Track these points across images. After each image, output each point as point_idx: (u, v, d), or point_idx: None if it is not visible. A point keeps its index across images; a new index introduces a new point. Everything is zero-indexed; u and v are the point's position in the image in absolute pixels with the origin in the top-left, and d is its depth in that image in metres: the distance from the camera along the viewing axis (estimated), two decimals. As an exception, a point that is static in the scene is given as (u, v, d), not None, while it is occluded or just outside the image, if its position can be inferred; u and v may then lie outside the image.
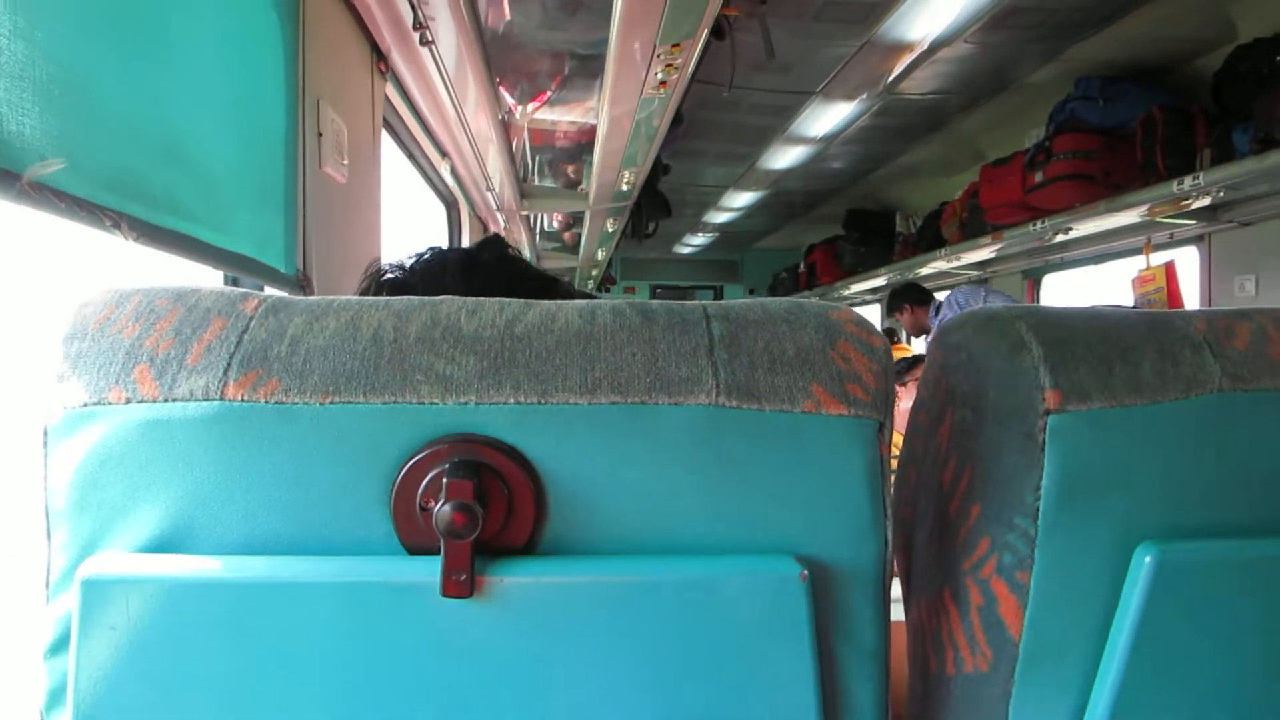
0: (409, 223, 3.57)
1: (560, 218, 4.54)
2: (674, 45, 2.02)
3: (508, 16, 2.08)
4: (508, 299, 0.59)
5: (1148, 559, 0.59)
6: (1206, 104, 3.45)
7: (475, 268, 0.87)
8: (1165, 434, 0.60)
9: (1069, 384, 0.59)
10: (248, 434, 0.53)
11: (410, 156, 2.78)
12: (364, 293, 0.87)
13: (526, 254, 5.32)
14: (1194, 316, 0.64)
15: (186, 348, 0.54)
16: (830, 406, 0.55)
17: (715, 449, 0.54)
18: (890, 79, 3.68)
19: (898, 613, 0.69)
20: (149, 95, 0.92)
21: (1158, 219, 3.64)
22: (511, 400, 0.53)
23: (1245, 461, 0.61)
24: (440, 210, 3.71)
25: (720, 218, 7.43)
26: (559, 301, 0.59)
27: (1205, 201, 3.36)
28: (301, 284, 1.39)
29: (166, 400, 0.53)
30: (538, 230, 5.35)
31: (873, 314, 8.57)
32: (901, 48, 3.33)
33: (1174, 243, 4.12)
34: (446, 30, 1.91)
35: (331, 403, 0.52)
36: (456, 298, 0.58)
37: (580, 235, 5.11)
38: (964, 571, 0.65)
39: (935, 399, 0.69)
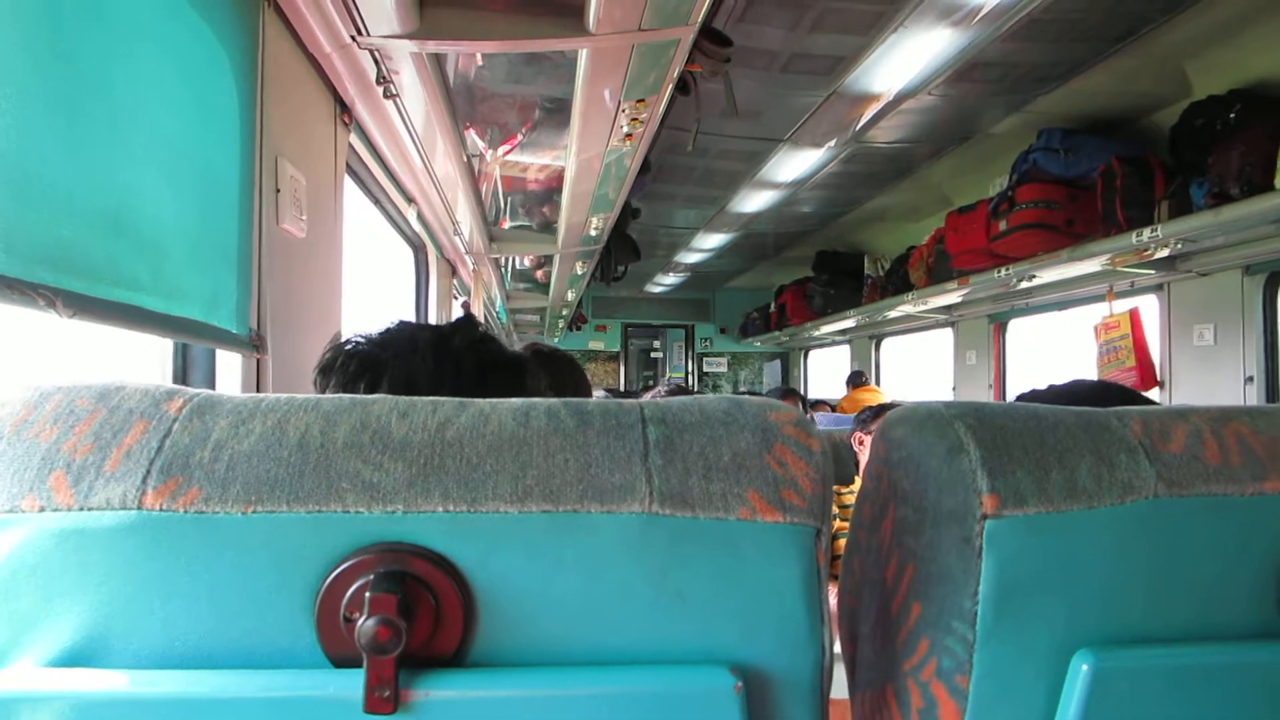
0: (374, 268, 3.55)
1: (531, 257, 4.54)
2: (639, 100, 2.03)
3: (472, 71, 2.08)
4: (441, 399, 0.57)
5: (1085, 666, 0.58)
6: (1164, 156, 3.53)
7: (447, 351, 0.85)
8: (1101, 540, 0.59)
9: (1006, 488, 0.59)
10: (166, 544, 0.51)
11: (376, 203, 2.76)
12: (328, 363, 0.85)
13: (496, 297, 5.30)
14: (1130, 417, 0.64)
15: (105, 453, 0.52)
16: (766, 514, 0.54)
17: (649, 557, 0.53)
18: (857, 127, 3.73)
19: (841, 690, 0.68)
20: (91, 162, 0.91)
21: (1119, 268, 3.70)
22: (440, 509, 0.52)
23: (1181, 567, 0.61)
24: (407, 254, 3.70)
25: (691, 258, 7.47)
26: (496, 401, 0.58)
27: (1164, 252, 3.42)
28: (254, 344, 1.37)
29: (82, 509, 0.51)
30: (508, 270, 5.34)
31: (842, 354, 8.63)
32: (868, 98, 3.38)
33: (1135, 290, 4.19)
34: (411, 83, 1.91)
35: (254, 512, 0.51)
36: (389, 398, 0.57)
37: (551, 273, 5.11)
38: (905, 672, 0.64)
39: (878, 493, 0.69)
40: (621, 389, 10.02)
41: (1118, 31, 2.99)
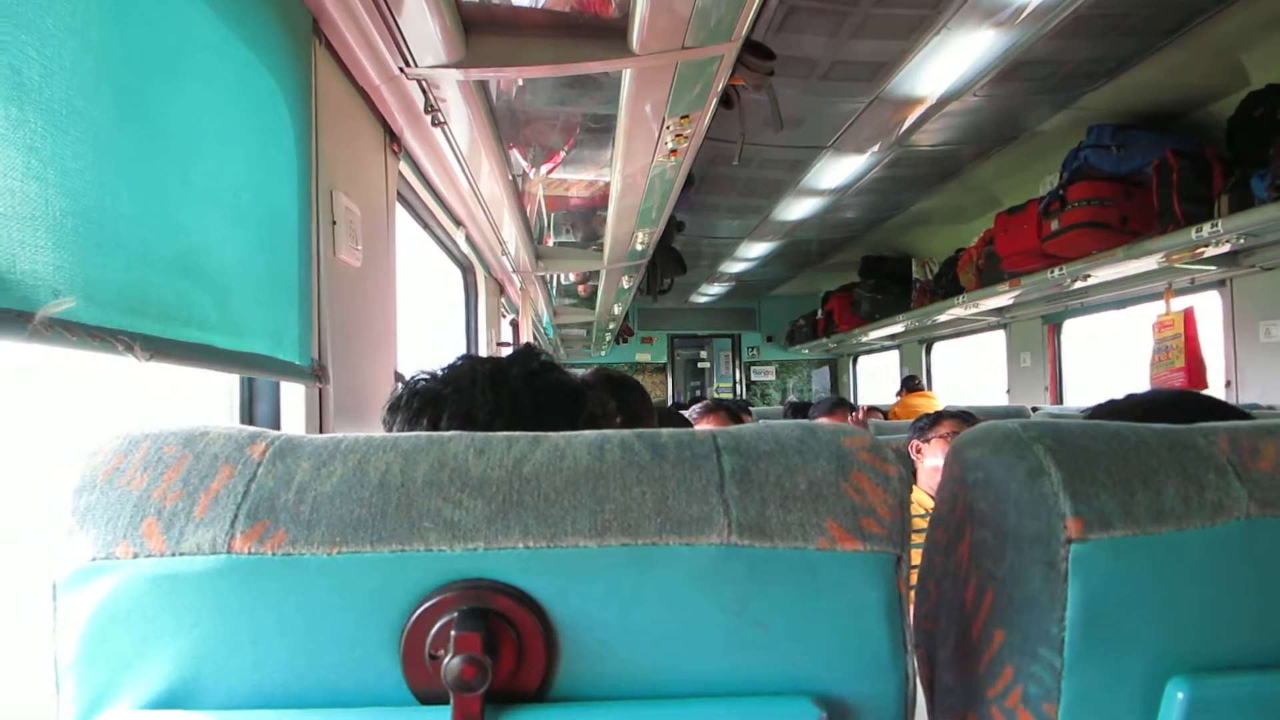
0: (425, 290, 3.59)
1: (576, 272, 4.58)
2: (683, 117, 2.04)
3: (514, 92, 2.11)
4: (516, 435, 0.58)
5: (1180, 694, 0.57)
6: (1222, 149, 3.44)
7: (504, 383, 0.86)
8: (1192, 563, 0.58)
9: (1090, 511, 0.58)
10: (255, 587, 0.52)
11: (425, 227, 2.80)
12: (394, 402, 0.87)
13: (543, 313, 5.33)
14: (1217, 434, 0.63)
15: (194, 499, 0.54)
16: (845, 542, 0.54)
17: (728, 588, 0.53)
18: (901, 132, 3.70)
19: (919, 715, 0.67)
20: (162, 209, 0.93)
21: (1177, 265, 3.61)
22: (520, 545, 0.52)
23: (1278, 590, 0.59)
24: (455, 274, 3.74)
25: (735, 268, 7.45)
26: (569, 435, 0.58)
27: (1225, 248, 3.33)
28: (316, 374, 1.40)
29: (174, 554, 0.52)
30: (553, 286, 5.38)
31: (891, 360, 8.54)
32: (911, 102, 3.35)
33: (1195, 287, 4.09)
34: (458, 109, 1.94)
35: (339, 553, 0.52)
36: (465, 434, 0.58)
37: (596, 288, 5.13)
38: (989, 699, 0.63)
39: (953, 515, 0.68)
40: (669, 401, 10.02)
41: (1168, 24, 2.93)
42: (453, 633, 0.50)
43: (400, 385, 0.87)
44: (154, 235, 0.91)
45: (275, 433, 0.59)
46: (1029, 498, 0.60)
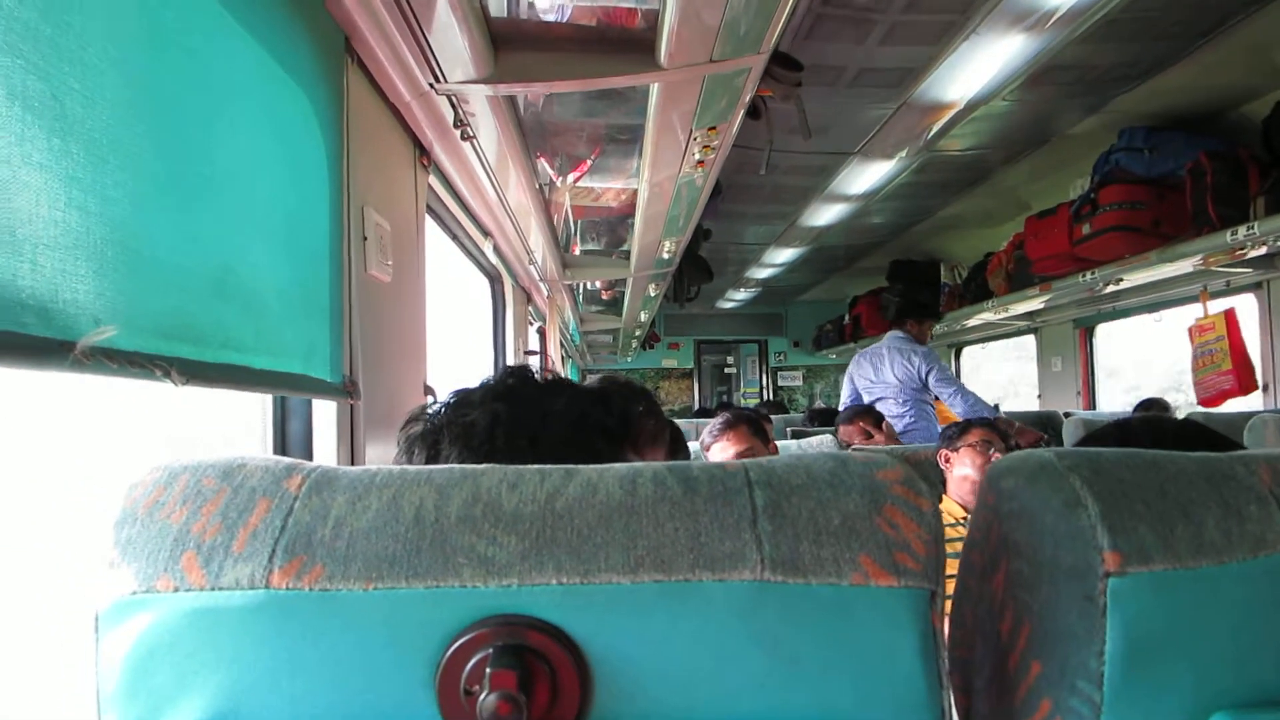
0: (454, 300, 3.61)
1: (603, 280, 4.59)
2: (710, 128, 2.04)
3: (542, 103, 2.12)
4: (549, 468, 0.58)
5: None
6: (1257, 150, 3.39)
7: (502, 394, 0.87)
8: (1235, 597, 0.57)
9: (1129, 544, 0.57)
10: (293, 621, 0.53)
11: (454, 238, 2.82)
12: (435, 416, 0.86)
13: (569, 321, 5.34)
14: (1257, 463, 0.61)
15: (233, 533, 0.54)
16: (879, 578, 0.53)
17: (762, 624, 0.53)
18: (929, 137, 3.67)
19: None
20: (199, 233, 0.95)
21: (1212, 268, 3.56)
22: (554, 581, 0.53)
23: None
24: (482, 283, 3.76)
25: (762, 273, 7.43)
26: (601, 469, 0.58)
27: (1262, 250, 3.28)
28: (348, 390, 1.41)
29: (213, 589, 0.53)
30: (579, 293, 5.39)
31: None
32: (939, 108, 3.32)
33: (1230, 290, 4.03)
34: (486, 122, 1.95)
35: (375, 588, 0.52)
36: (498, 468, 0.58)
37: (622, 294, 5.14)
38: None
39: (988, 543, 0.67)
40: (696, 406, 10.00)
41: (1201, 26, 2.89)
42: (488, 670, 0.51)
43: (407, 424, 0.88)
44: (191, 259, 0.92)
45: (311, 464, 0.59)
46: (1065, 530, 0.59)
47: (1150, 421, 1.04)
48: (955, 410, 4.29)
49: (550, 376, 0.93)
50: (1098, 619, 0.57)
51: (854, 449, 3.12)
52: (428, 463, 0.82)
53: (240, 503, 0.56)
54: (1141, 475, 0.60)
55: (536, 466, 0.59)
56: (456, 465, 0.59)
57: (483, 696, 0.50)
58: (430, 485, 0.56)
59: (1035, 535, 0.61)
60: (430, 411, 0.87)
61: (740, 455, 2.57)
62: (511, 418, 0.84)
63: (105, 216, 0.75)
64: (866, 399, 4.66)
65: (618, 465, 0.59)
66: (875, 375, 4.64)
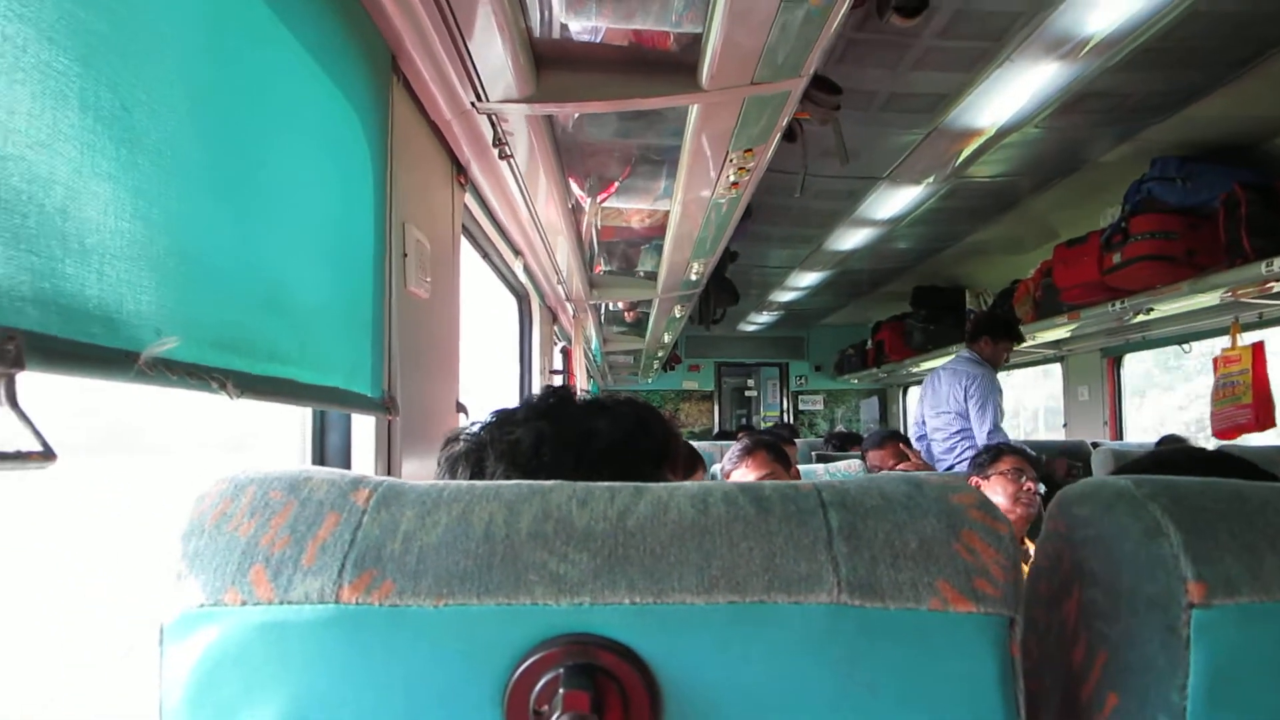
0: (483, 318, 3.63)
1: (625, 300, 4.59)
2: (746, 151, 2.04)
3: (579, 125, 2.13)
4: (618, 485, 0.58)
5: None
6: (1294, 181, 3.36)
7: (544, 412, 0.87)
8: None
9: (1214, 575, 0.55)
10: (362, 637, 0.52)
11: (485, 257, 2.83)
12: (477, 435, 0.87)
13: (593, 339, 5.35)
14: None
15: (301, 546, 0.54)
16: (958, 604, 0.52)
17: (838, 649, 0.52)
18: (958, 163, 3.66)
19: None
20: (254, 246, 0.95)
21: (1245, 299, 3.52)
22: (626, 600, 0.52)
23: None
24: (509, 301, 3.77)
25: (785, 296, 7.42)
26: (671, 487, 0.58)
27: (1296, 282, 3.24)
28: (386, 405, 1.41)
29: (282, 603, 0.53)
30: (603, 314, 5.40)
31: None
32: (969, 134, 3.32)
33: (1263, 323, 3.98)
34: (523, 143, 1.96)
35: (445, 605, 0.52)
36: (567, 484, 0.58)
37: (645, 315, 5.14)
38: None
39: (1058, 571, 0.66)
40: (716, 429, 9.97)
41: (1238, 56, 2.87)
42: (560, 690, 0.50)
43: (448, 443, 0.88)
44: (245, 272, 0.92)
45: (376, 478, 0.59)
46: (1145, 558, 0.57)
47: (1196, 454, 1.01)
48: (977, 439, 4.12)
49: (587, 396, 0.94)
50: (1181, 651, 0.55)
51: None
52: (471, 480, 0.82)
53: (309, 516, 0.55)
54: (1225, 505, 0.59)
55: (605, 484, 0.58)
56: (525, 482, 0.59)
57: (554, 717, 0.49)
58: (500, 501, 0.56)
59: (1113, 563, 0.60)
60: (472, 430, 0.88)
61: (761, 480, 2.54)
62: (557, 436, 0.84)
63: (168, 228, 0.76)
64: (927, 426, 4.47)
65: (687, 484, 0.58)
66: (933, 399, 4.44)
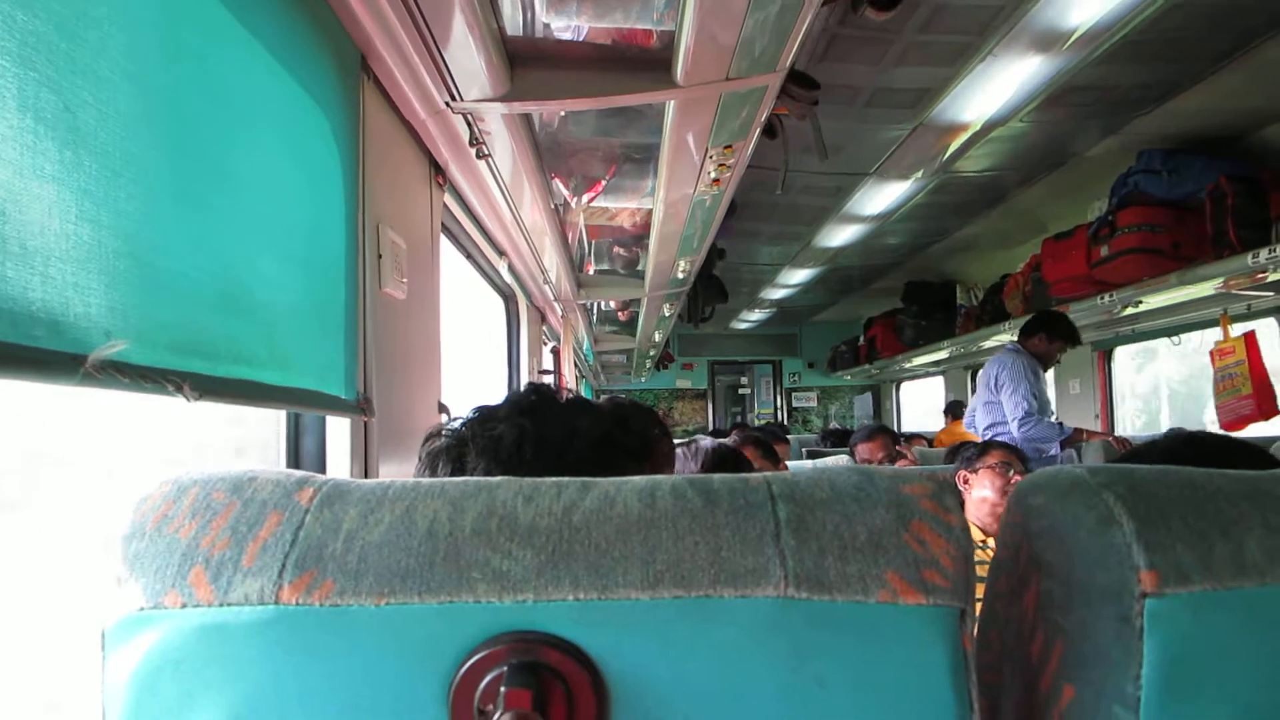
0: (467, 318, 3.61)
1: (616, 299, 4.59)
2: (726, 147, 2.03)
3: (557, 123, 2.12)
4: (566, 480, 0.57)
5: None
6: (1278, 173, 3.36)
7: (528, 409, 0.86)
8: (1277, 619, 0.55)
9: (1166, 564, 0.55)
10: (303, 637, 0.51)
11: (468, 257, 2.82)
12: (458, 431, 0.86)
13: (583, 340, 5.34)
14: None
15: (242, 547, 0.53)
16: (907, 595, 0.52)
17: (785, 642, 0.51)
18: (945, 158, 3.66)
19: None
20: (214, 247, 0.94)
21: (1233, 291, 3.53)
22: (570, 597, 0.51)
23: None
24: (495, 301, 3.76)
25: (776, 294, 7.42)
26: (619, 481, 0.57)
27: (1283, 273, 3.25)
28: (361, 407, 1.40)
29: (222, 604, 0.52)
30: (594, 314, 5.39)
31: (935, 385, 8.43)
32: (955, 129, 3.32)
33: (1251, 314, 3.99)
34: (502, 142, 1.95)
35: (387, 604, 0.51)
36: (514, 480, 0.57)
37: (637, 314, 5.14)
38: None
39: (1016, 564, 0.65)
40: (710, 427, 9.97)
41: (1221, 48, 2.88)
42: (502, 688, 0.49)
43: (428, 439, 0.88)
44: (205, 273, 0.91)
45: (323, 477, 0.58)
46: (1099, 548, 0.57)
47: (1194, 438, 1.01)
48: (1012, 433, 4.03)
49: (570, 395, 0.93)
50: (1134, 641, 0.55)
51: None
52: (452, 476, 0.82)
53: (250, 516, 0.54)
54: (1178, 492, 0.58)
55: (554, 479, 0.57)
56: (473, 478, 0.58)
57: (496, 716, 0.49)
58: (444, 498, 0.55)
59: (1067, 554, 0.59)
60: (453, 426, 0.87)
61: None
62: (539, 433, 0.84)
63: (117, 229, 0.75)
64: (977, 418, 4.40)
65: (636, 478, 0.57)
66: (979, 391, 4.37)
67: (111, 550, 0.55)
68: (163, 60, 0.86)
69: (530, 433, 0.83)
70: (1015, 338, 4.43)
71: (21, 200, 0.64)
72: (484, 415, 0.87)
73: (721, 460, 1.87)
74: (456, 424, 0.87)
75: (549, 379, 4.54)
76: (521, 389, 0.92)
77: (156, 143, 0.83)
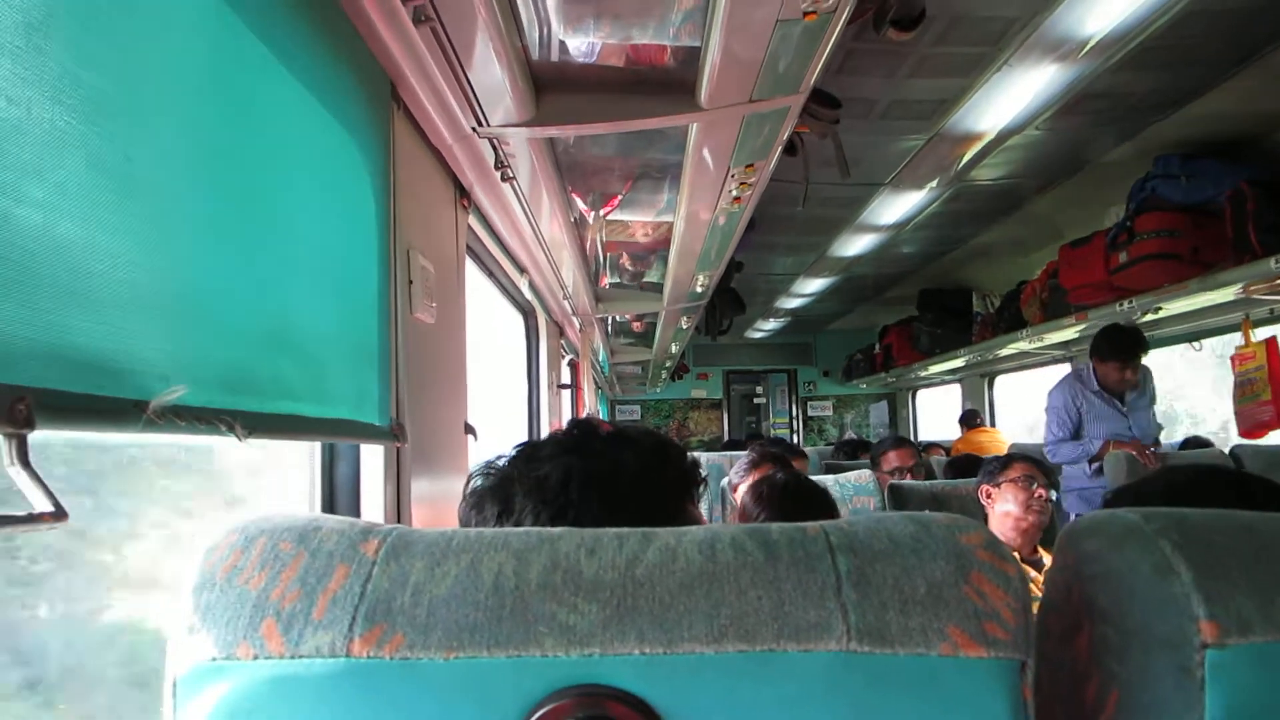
0: (488, 334, 3.63)
1: (632, 312, 4.60)
2: (747, 166, 2.04)
3: (580, 144, 2.13)
4: (625, 531, 0.58)
5: None
6: (1301, 176, 3.34)
7: (572, 448, 0.87)
8: None
9: (1226, 614, 0.55)
10: (373, 690, 0.52)
11: (490, 276, 2.84)
12: (503, 470, 0.87)
13: (599, 350, 5.35)
14: None
15: (312, 599, 0.54)
16: (969, 649, 0.52)
17: (848, 696, 0.52)
18: (960, 167, 3.66)
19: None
20: (258, 285, 0.96)
21: (1254, 296, 3.50)
22: (636, 650, 0.52)
23: None
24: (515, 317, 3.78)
25: (791, 303, 7.42)
26: (679, 532, 0.58)
27: (1307, 277, 3.22)
28: (394, 433, 1.41)
29: (293, 657, 0.53)
30: (610, 326, 5.40)
31: (952, 393, 8.40)
32: (970, 138, 3.32)
33: (1275, 318, 3.96)
34: (525, 165, 1.97)
35: (456, 657, 0.52)
36: (575, 531, 0.58)
37: (653, 326, 5.15)
38: None
39: (1068, 606, 0.65)
40: (725, 437, 9.95)
41: (1238, 53, 2.86)
42: None
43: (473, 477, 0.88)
44: (251, 311, 0.93)
45: (386, 527, 0.59)
46: (1156, 596, 0.57)
47: (1237, 479, 0.99)
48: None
49: (610, 429, 0.93)
50: (1195, 692, 0.55)
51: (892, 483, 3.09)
52: (499, 516, 0.83)
53: (319, 568, 0.55)
54: (1234, 539, 0.58)
55: (614, 530, 0.58)
56: (533, 529, 0.59)
57: None
58: (508, 550, 0.56)
59: (1123, 601, 0.59)
60: (498, 464, 0.88)
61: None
62: (584, 471, 0.84)
63: (170, 273, 0.77)
64: None
65: (694, 529, 0.58)
66: None
67: (181, 599, 0.56)
68: (208, 105, 0.88)
69: (576, 471, 0.83)
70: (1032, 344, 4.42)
71: (86, 251, 0.65)
72: (528, 454, 0.87)
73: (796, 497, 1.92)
74: (501, 462, 0.88)
75: (566, 393, 4.55)
76: (564, 425, 0.92)
77: (204, 185, 0.85)
